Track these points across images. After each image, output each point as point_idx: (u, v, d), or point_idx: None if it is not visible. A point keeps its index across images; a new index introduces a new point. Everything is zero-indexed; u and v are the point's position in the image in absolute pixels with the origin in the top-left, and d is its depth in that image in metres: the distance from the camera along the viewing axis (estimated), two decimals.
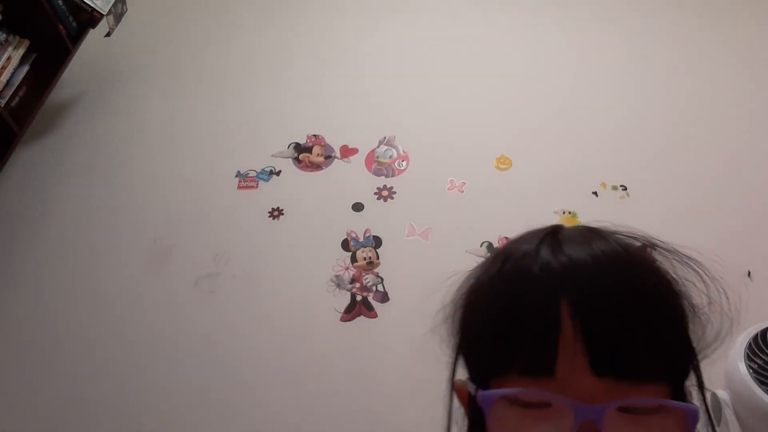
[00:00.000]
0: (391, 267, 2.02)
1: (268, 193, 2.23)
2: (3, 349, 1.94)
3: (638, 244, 0.55)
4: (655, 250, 0.55)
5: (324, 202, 2.19)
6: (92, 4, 2.42)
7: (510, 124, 2.36)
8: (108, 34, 2.53)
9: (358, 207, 2.17)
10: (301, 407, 1.77)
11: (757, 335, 1.44)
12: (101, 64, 2.71)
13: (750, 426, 1.41)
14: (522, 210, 2.09)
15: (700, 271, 0.55)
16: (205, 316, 1.96)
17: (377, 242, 2.08)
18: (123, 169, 2.35)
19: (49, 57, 2.43)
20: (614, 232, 0.55)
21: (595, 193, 2.15)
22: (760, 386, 1.37)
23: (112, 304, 2.00)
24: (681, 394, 0.51)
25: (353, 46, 2.70)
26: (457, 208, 2.14)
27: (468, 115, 2.40)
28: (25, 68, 2.37)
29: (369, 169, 2.27)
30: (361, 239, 2.09)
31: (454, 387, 0.58)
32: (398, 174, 2.25)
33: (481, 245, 2.03)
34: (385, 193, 2.20)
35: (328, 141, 2.36)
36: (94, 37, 2.55)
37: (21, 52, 2.35)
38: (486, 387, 0.52)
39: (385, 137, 2.35)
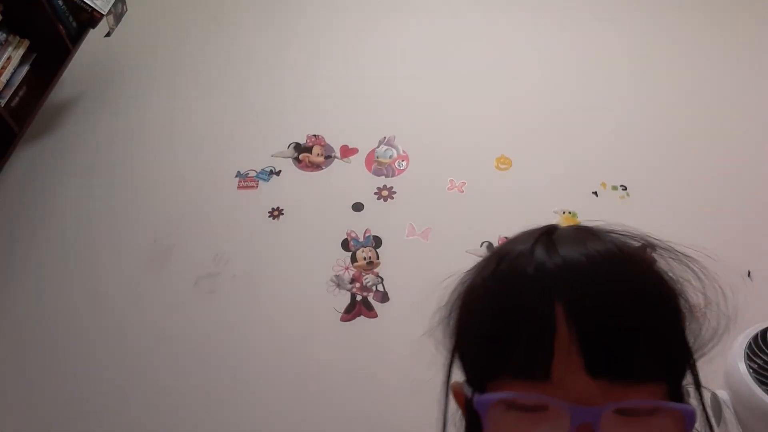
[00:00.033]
0: (391, 267, 2.02)
1: (268, 193, 2.23)
2: (3, 349, 1.94)
3: (634, 243, 0.55)
4: (652, 249, 0.55)
5: (324, 202, 2.19)
6: (92, 4, 2.42)
7: (510, 124, 2.36)
8: (108, 34, 2.52)
9: (358, 207, 2.17)
10: (301, 407, 1.77)
11: (757, 335, 1.43)
12: (101, 64, 2.71)
13: (750, 426, 1.41)
14: (522, 210, 2.09)
15: (696, 269, 0.55)
16: (205, 316, 1.96)
17: (377, 242, 2.08)
18: (123, 169, 2.35)
19: (49, 57, 2.43)
20: (609, 232, 0.54)
21: (595, 193, 2.15)
22: (760, 386, 1.37)
23: (112, 304, 2.00)
24: (678, 394, 0.51)
25: (353, 46, 2.70)
26: (457, 208, 2.14)
27: (468, 115, 2.40)
28: (25, 68, 2.37)
29: (369, 169, 2.27)
30: (361, 239, 2.09)
31: (452, 389, 0.58)
32: (398, 174, 2.25)
33: (481, 245, 2.03)
34: (385, 193, 2.20)
35: (328, 141, 2.36)
36: (94, 37, 2.55)
37: (21, 52, 2.35)
38: (482, 390, 0.51)
39: (385, 137, 2.35)
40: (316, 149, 2.34)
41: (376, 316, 1.92)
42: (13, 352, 1.93)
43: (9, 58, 2.30)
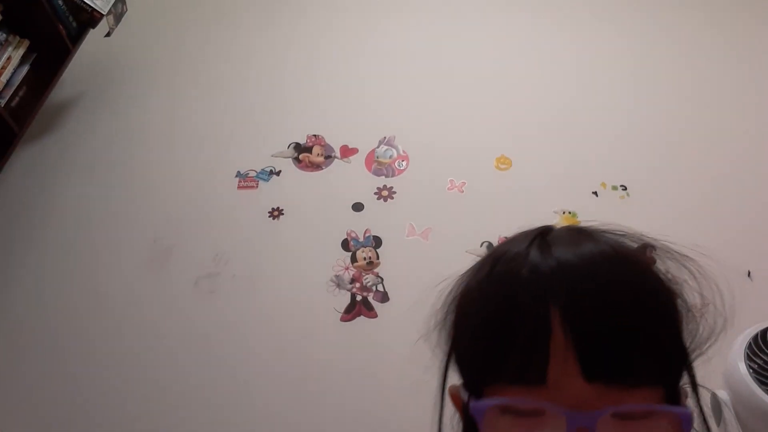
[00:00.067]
0: (391, 267, 2.02)
1: (268, 193, 2.23)
2: (3, 349, 1.94)
3: (629, 243, 0.54)
4: (649, 248, 0.55)
5: (324, 202, 2.19)
6: (92, 4, 2.42)
7: (510, 124, 2.35)
8: (108, 34, 2.52)
9: (358, 207, 2.17)
10: (301, 407, 1.77)
11: (757, 335, 1.43)
12: (101, 64, 2.71)
13: (750, 426, 1.41)
14: (522, 210, 2.09)
15: (692, 268, 0.55)
16: (205, 316, 1.96)
17: (377, 242, 2.08)
18: (123, 169, 2.35)
19: (49, 57, 2.43)
20: (604, 232, 0.54)
21: (595, 193, 2.15)
22: (760, 386, 1.37)
23: (111, 304, 2.00)
24: (675, 396, 0.51)
25: (353, 47, 2.70)
26: (457, 208, 2.14)
27: (468, 115, 2.40)
28: (25, 68, 2.37)
29: (369, 169, 2.27)
30: (361, 239, 2.09)
31: (449, 393, 0.58)
32: (398, 174, 2.25)
33: (481, 245, 2.03)
34: (385, 193, 2.20)
35: (328, 141, 2.36)
36: (94, 37, 2.55)
37: (21, 52, 2.35)
38: (479, 394, 0.51)
39: (385, 137, 2.35)
40: (316, 149, 2.34)
41: (376, 316, 1.92)
42: (13, 352, 1.93)
43: (9, 58, 2.30)
